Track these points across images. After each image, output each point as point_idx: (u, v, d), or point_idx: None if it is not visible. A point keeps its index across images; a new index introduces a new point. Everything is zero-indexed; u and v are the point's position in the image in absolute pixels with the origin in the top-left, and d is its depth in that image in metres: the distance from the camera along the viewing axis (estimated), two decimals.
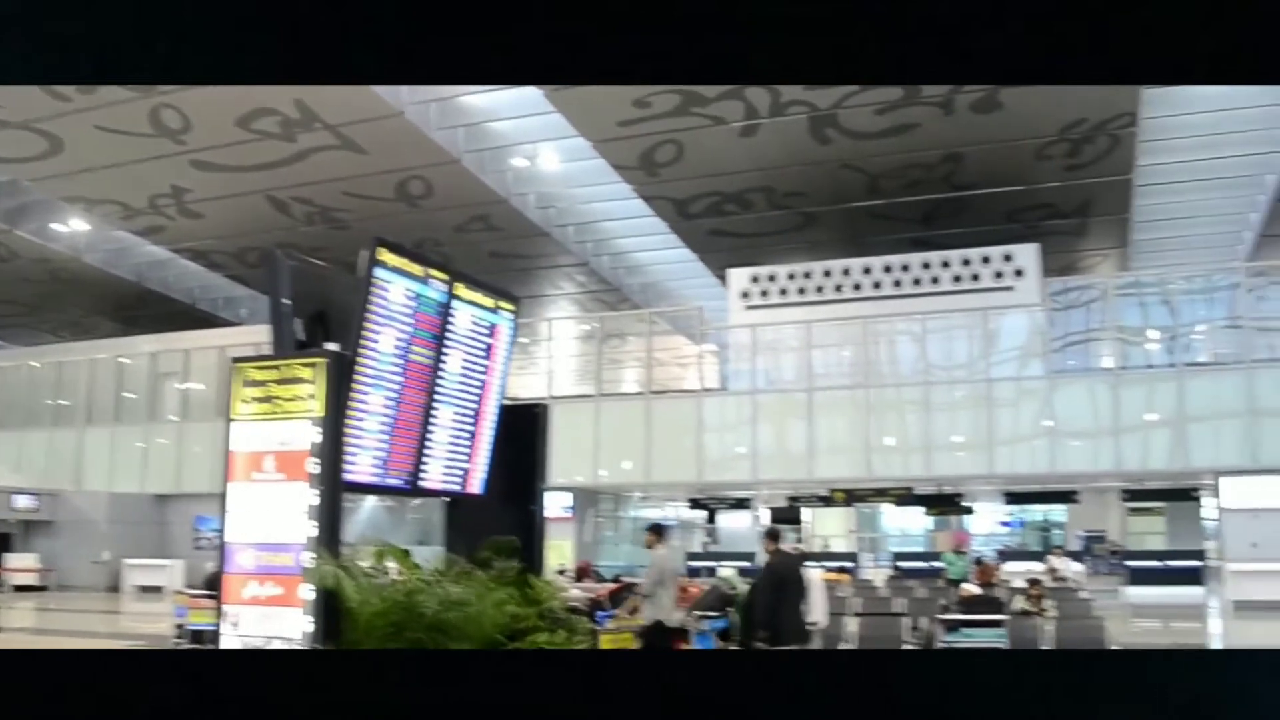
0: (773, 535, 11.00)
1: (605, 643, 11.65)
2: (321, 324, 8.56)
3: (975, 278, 24.64)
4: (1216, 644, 18.84)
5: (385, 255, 7.99)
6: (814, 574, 11.64)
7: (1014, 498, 33.27)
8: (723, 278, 28.15)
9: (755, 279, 26.53)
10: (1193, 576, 27.30)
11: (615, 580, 17.19)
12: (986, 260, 24.67)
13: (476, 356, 9.08)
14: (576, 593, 14.50)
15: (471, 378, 9.07)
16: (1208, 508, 28.98)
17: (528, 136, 23.84)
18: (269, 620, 7.68)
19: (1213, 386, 23.05)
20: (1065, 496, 31.45)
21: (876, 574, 28.28)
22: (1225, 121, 22.58)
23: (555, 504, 25.28)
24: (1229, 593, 21.82)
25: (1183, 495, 29.67)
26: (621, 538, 33.56)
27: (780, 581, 10.37)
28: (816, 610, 11.48)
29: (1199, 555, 28.65)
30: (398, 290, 8.11)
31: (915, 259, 25.37)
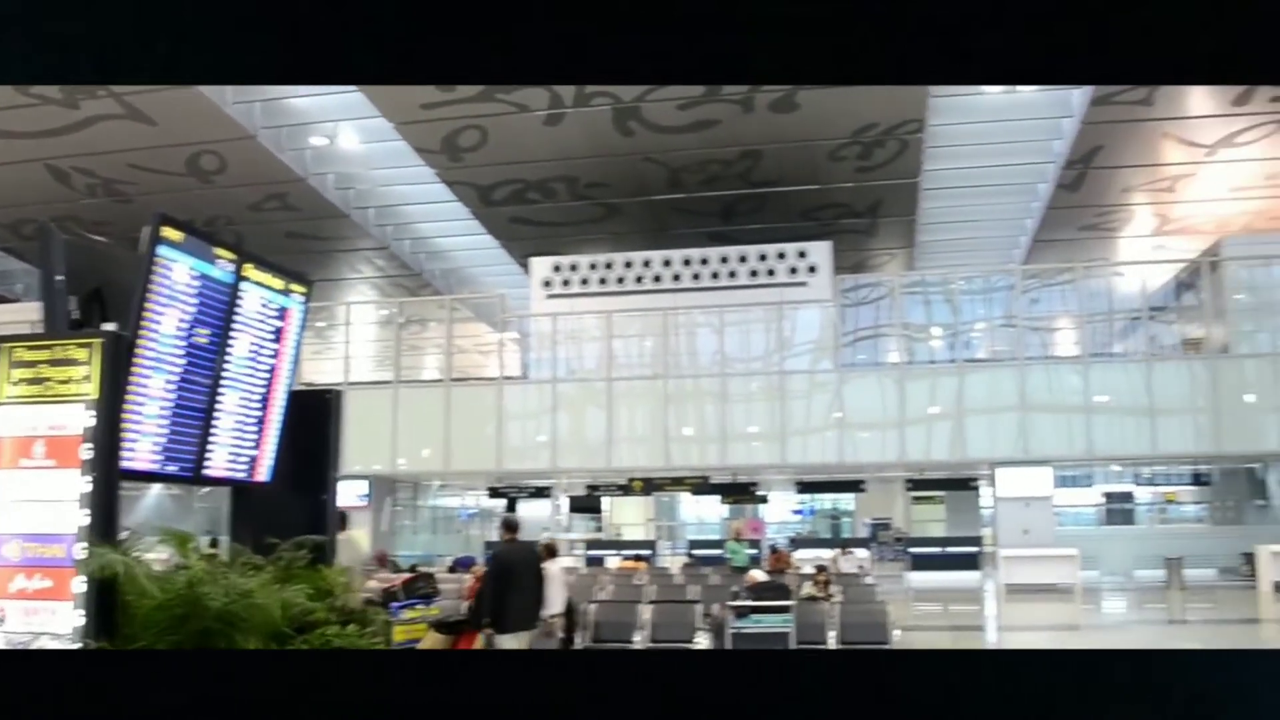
0: (508, 525, 11.03)
1: (399, 635, 11.43)
2: (99, 302, 8.07)
3: (771, 273, 25.29)
4: (990, 624, 19.86)
5: (169, 232, 7.59)
6: (553, 566, 11.72)
7: (805, 487, 34.31)
8: (525, 266, 28.06)
9: (557, 268, 26.54)
10: (970, 562, 28.69)
11: (411, 570, 16.91)
12: (782, 256, 25.34)
13: (265, 340, 8.74)
14: (373, 583, 14.17)
15: (260, 362, 8.72)
16: (984, 496, 30.54)
17: (327, 115, 23.15)
18: (36, 615, 7.21)
19: (989, 382, 24.31)
20: (853, 486, 32.58)
21: (673, 562, 28.70)
22: (1005, 131, 23.81)
23: (349, 492, 24.73)
24: (1002, 576, 23.04)
25: (962, 485, 31.16)
26: (420, 526, 33.10)
27: (506, 570, 10.41)
28: (555, 602, 11.55)
29: (976, 541, 30.16)
30: (182, 270, 7.71)
31: (714, 253, 25.87)
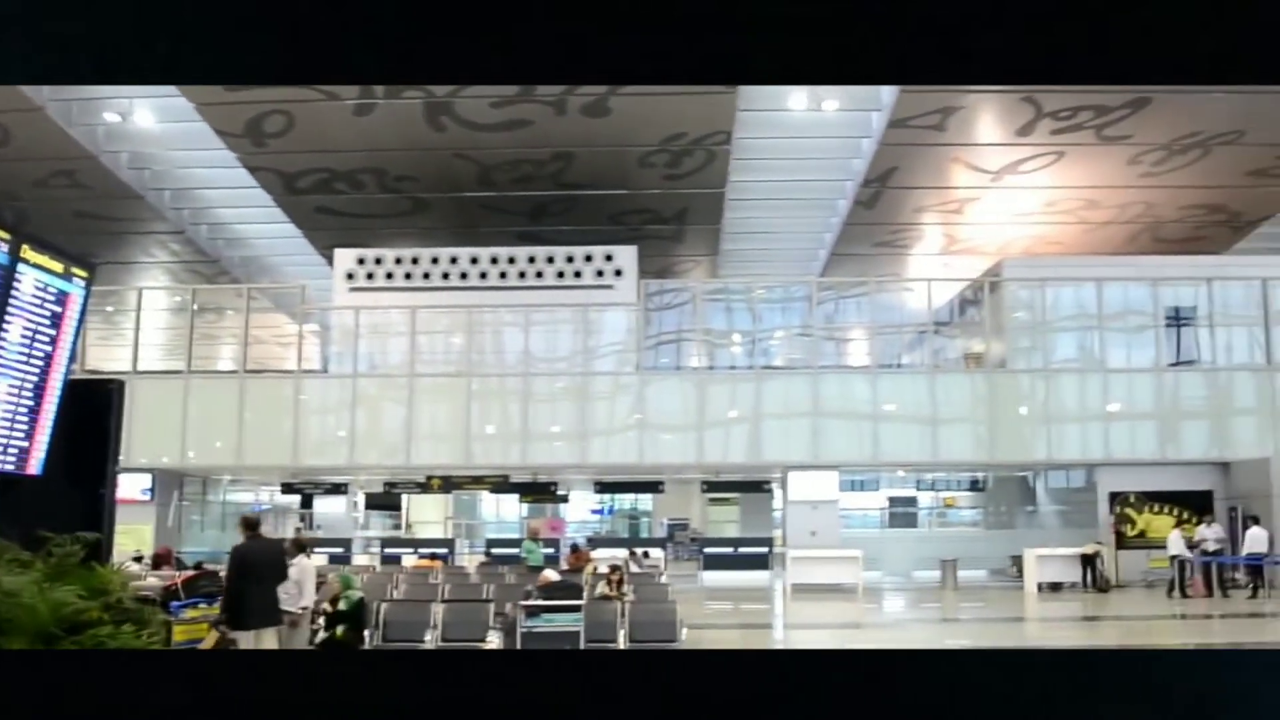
0: (247, 523, 10.91)
1: (179, 634, 11.05)
2: None
3: (578, 275, 25.47)
4: (778, 622, 20.47)
5: None
6: (306, 561, 11.65)
7: (605, 487, 34.65)
8: (328, 257, 27.45)
9: (362, 261, 26.06)
10: (761, 562, 29.51)
11: (197, 567, 16.33)
12: (589, 259, 25.56)
13: (42, 326, 8.31)
14: (153, 580, 13.63)
15: (35, 349, 8.29)
16: (776, 499, 31.48)
17: (122, 90, 22.11)
18: None
19: (785, 388, 25.10)
20: (652, 486, 33.09)
21: (471, 561, 28.54)
22: (808, 148, 24.64)
23: (131, 486, 23.72)
24: (790, 576, 23.79)
25: (756, 487, 32.05)
26: (210, 522, 31.93)
27: (246, 567, 10.32)
28: (307, 596, 11.49)
29: (767, 542, 31.04)
30: None
31: (522, 252, 25.89)
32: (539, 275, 25.59)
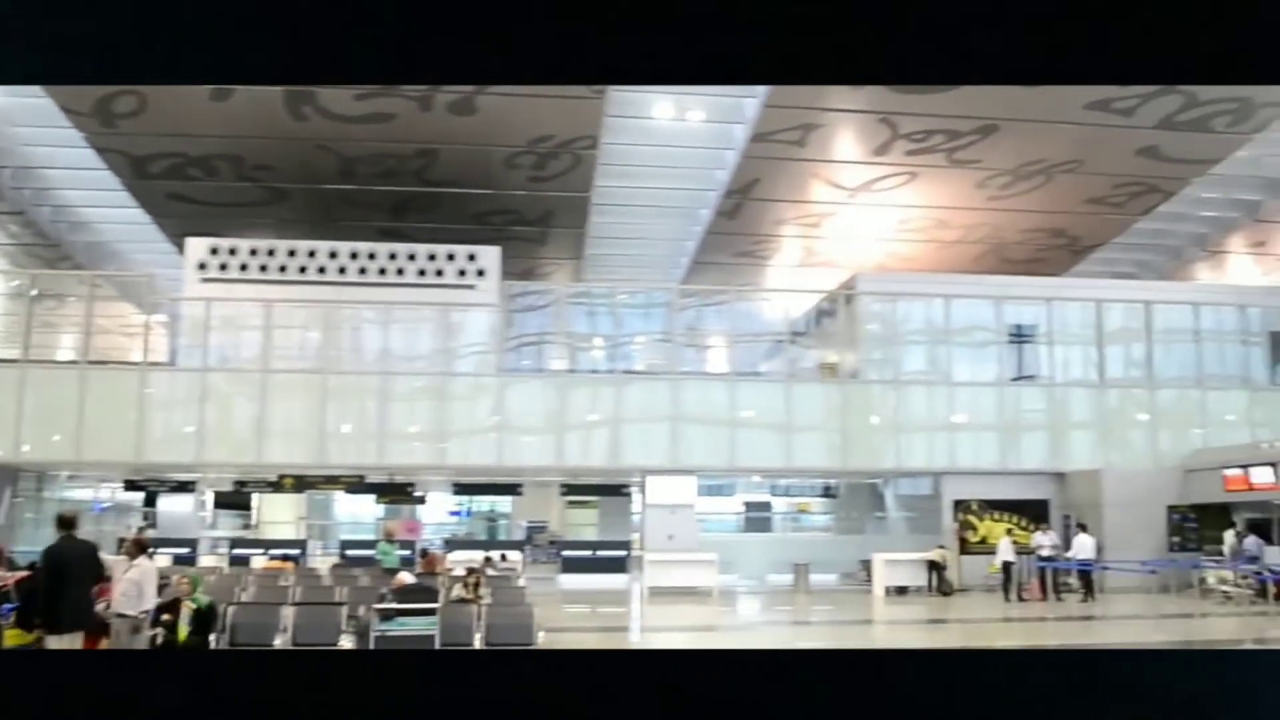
0: (62, 522, 10.59)
1: (10, 639, 10.60)
2: None
3: (440, 273, 25.22)
4: (635, 624, 20.61)
5: None
6: (145, 562, 11.35)
7: (463, 488, 34.38)
8: (179, 245, 26.59)
9: (215, 250, 25.29)
10: (619, 565, 29.66)
11: (30, 568, 15.64)
12: (452, 258, 25.33)
13: None
14: None
15: None
16: (635, 502, 31.68)
17: None
18: None
19: (645, 393, 25.31)
20: (511, 489, 32.96)
21: (324, 563, 27.99)
22: (673, 157, 24.95)
23: None
24: (647, 579, 23.98)
25: (615, 490, 32.19)
26: (45, 520, 30.56)
27: (58, 568, 10.01)
28: (147, 598, 11.19)
29: (625, 546, 31.22)
30: None
31: (383, 248, 25.49)
32: (400, 272, 25.24)
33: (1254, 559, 21.67)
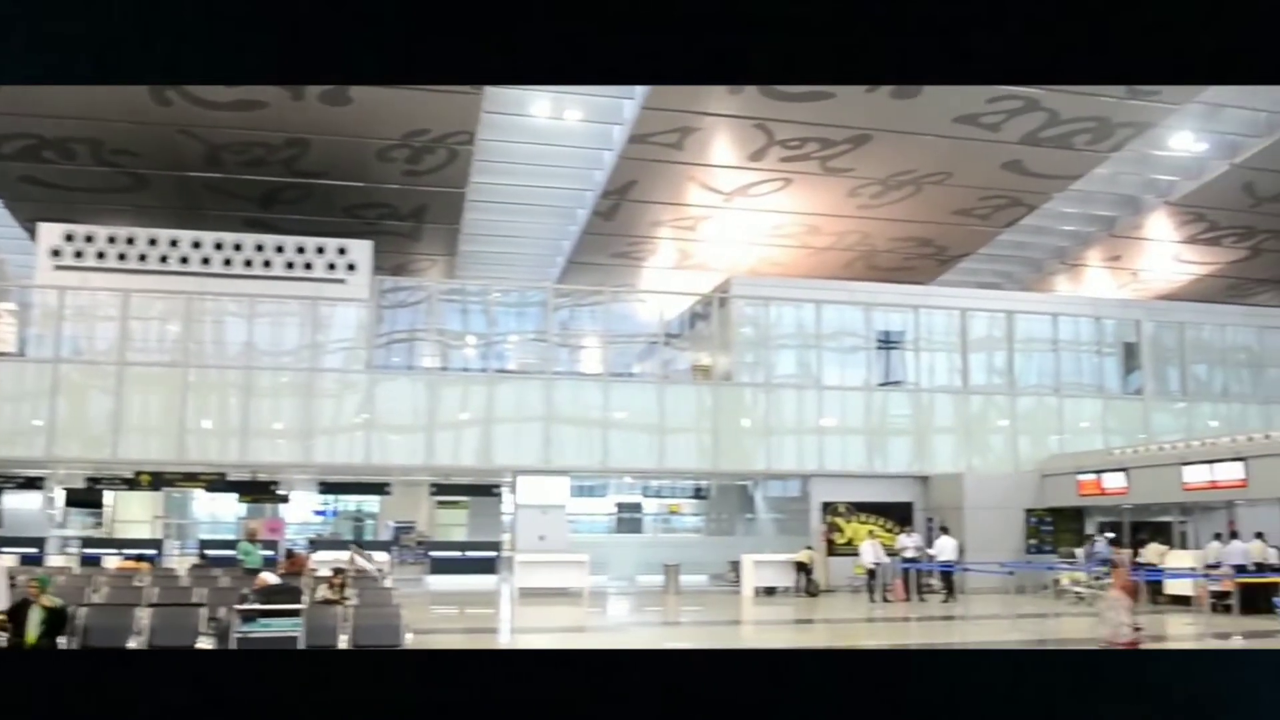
0: None
1: None
2: None
3: (308, 266, 24.63)
4: (504, 625, 20.42)
5: None
6: None
7: (329, 487, 33.68)
8: (32, 230, 25.41)
9: (70, 237, 24.25)
10: (489, 566, 29.40)
11: None
12: (321, 251, 24.76)
13: None
14: None
15: None
16: (506, 503, 31.43)
17: None
18: None
19: (518, 392, 25.13)
20: (379, 488, 32.40)
21: (181, 563, 27.07)
22: (551, 155, 24.81)
23: None
24: (517, 580, 23.80)
25: (485, 490, 31.88)
26: None
27: None
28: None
29: (495, 546, 30.96)
30: None
31: (250, 239, 24.78)
32: (266, 264, 24.57)
33: (1105, 561, 22.48)
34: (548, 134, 23.97)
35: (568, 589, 23.52)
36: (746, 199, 26.38)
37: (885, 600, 22.93)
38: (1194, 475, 21.95)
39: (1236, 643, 15.62)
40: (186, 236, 24.44)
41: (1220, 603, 19.23)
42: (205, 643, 12.52)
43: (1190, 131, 24.65)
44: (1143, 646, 14.74)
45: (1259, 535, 21.31)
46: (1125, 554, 15.77)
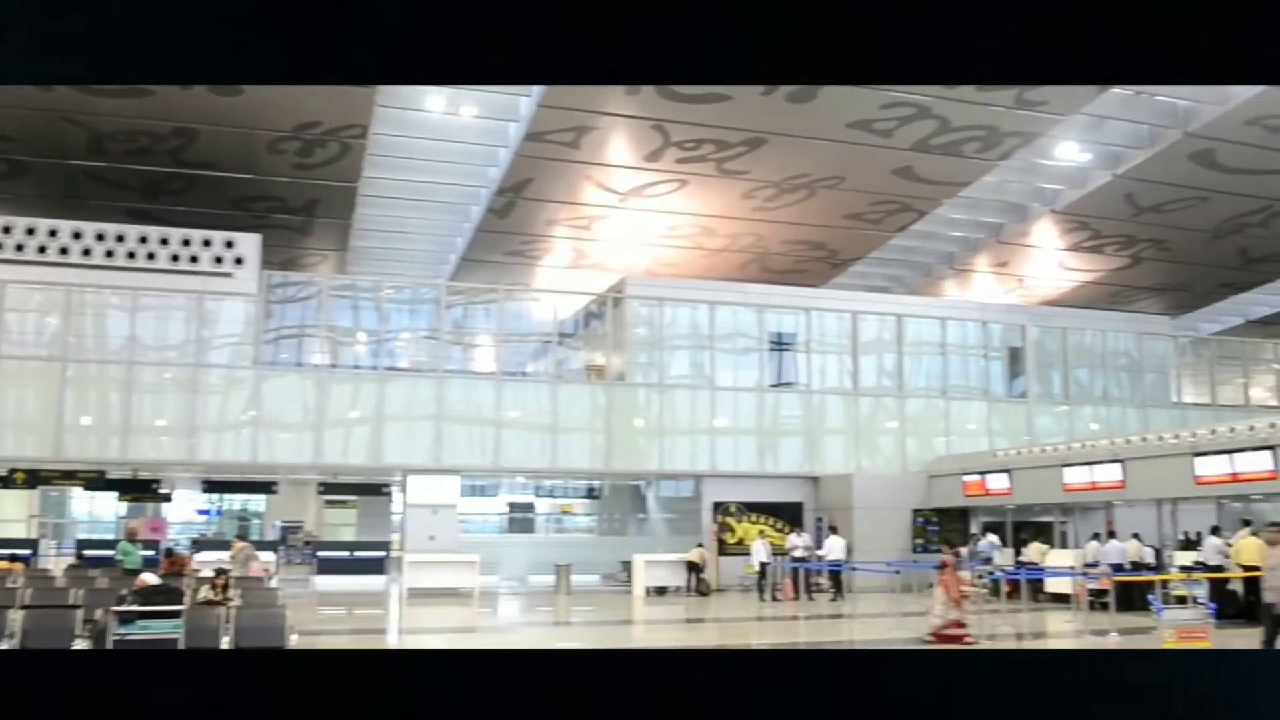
0: None
1: None
2: None
3: (194, 259, 23.99)
4: (393, 626, 20.17)
5: None
6: None
7: (214, 486, 32.92)
8: None
9: None
10: (377, 566, 29.05)
11: None
12: (208, 244, 24.15)
13: None
14: None
15: None
16: (396, 502, 31.06)
17: None
18: None
19: (409, 390, 24.87)
20: (265, 487, 31.77)
21: (58, 563, 26.20)
22: (445, 151, 24.56)
23: None
24: (407, 581, 23.53)
25: (374, 490, 31.48)
26: None
27: None
28: None
29: (385, 546, 30.58)
30: None
31: (133, 230, 24.03)
32: (150, 257, 23.86)
33: (988, 560, 23.07)
34: (443, 129, 23.73)
35: (458, 589, 23.33)
36: (642, 199, 26.47)
37: (775, 599, 23.19)
38: (1074, 477, 22.65)
39: (1112, 640, 16.11)
40: (67, 226, 23.61)
41: (1098, 601, 19.82)
42: (80, 645, 12.15)
43: (1075, 142, 25.40)
44: (968, 643, 15.29)
45: (1135, 535, 22.05)
46: (950, 555, 16.28)
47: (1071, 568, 21.41)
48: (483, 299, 28.48)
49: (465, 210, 27.80)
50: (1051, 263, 31.95)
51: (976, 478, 25.34)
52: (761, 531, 25.76)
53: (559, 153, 23.68)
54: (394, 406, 24.53)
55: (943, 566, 16.21)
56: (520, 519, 37.89)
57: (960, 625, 15.67)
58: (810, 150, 24.01)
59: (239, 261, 24.24)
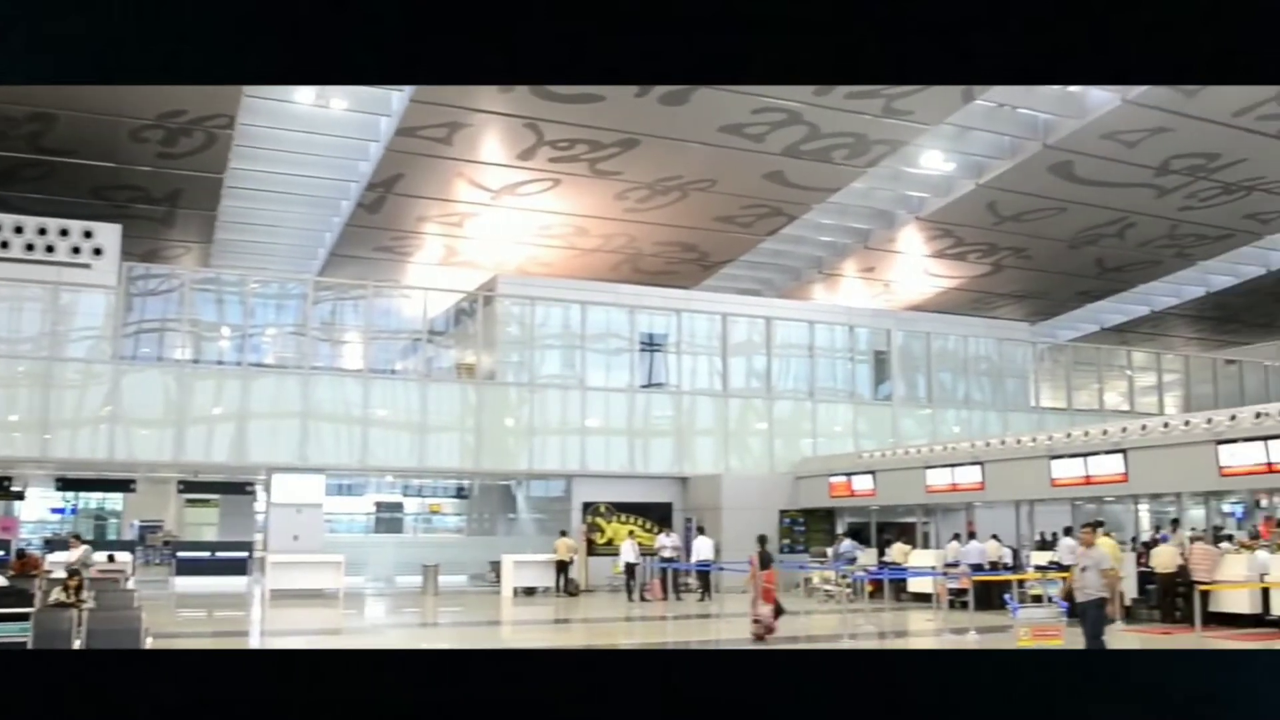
0: None
1: None
2: None
3: (50, 249, 23.13)
4: (254, 629, 19.76)
5: None
6: None
7: (69, 484, 31.78)
8: None
9: None
10: (240, 567, 28.36)
11: None
12: (65, 233, 23.32)
13: None
14: None
15: None
16: (260, 502, 30.42)
17: None
18: None
19: (275, 387, 24.41)
20: (123, 485, 30.81)
21: None
22: (315, 144, 24.10)
23: None
24: (270, 582, 23.07)
25: (237, 489, 30.75)
26: None
27: None
28: None
29: (248, 547, 29.89)
30: None
31: None
32: (3, 245, 22.96)
33: (852, 560, 23.62)
34: (312, 122, 23.27)
35: (322, 591, 22.99)
36: (515, 198, 26.40)
37: (643, 599, 23.38)
38: (936, 478, 23.34)
39: (971, 639, 16.65)
40: None
41: (958, 599, 20.49)
42: None
43: (940, 151, 26.12)
44: (769, 642, 15.78)
45: (994, 536, 22.78)
46: (757, 556, 16.89)
47: (933, 568, 22.05)
48: (351, 295, 28.07)
49: (334, 205, 27.34)
50: (916, 269, 32.83)
51: (842, 479, 25.92)
52: (631, 532, 25.94)
53: (431, 148, 23.48)
54: (259, 403, 24.05)
55: (750, 565, 16.74)
56: (388, 519, 37.44)
57: (758, 621, 16.17)
58: (683, 152, 24.25)
59: (98, 252, 23.47)
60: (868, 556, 24.30)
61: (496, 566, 25.45)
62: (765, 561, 16.62)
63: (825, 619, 20.18)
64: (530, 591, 24.39)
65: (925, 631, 18.84)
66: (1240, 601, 16.90)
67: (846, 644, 16.36)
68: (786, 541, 26.73)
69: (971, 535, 23.37)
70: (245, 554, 29.15)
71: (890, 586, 22.92)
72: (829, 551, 25.20)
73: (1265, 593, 16.63)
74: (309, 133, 23.54)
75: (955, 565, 21.12)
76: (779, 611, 16.26)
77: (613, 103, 21.62)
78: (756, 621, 16.14)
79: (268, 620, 20.68)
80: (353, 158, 24.78)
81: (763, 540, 17.05)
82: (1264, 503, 21.86)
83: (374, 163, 24.19)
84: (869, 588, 22.12)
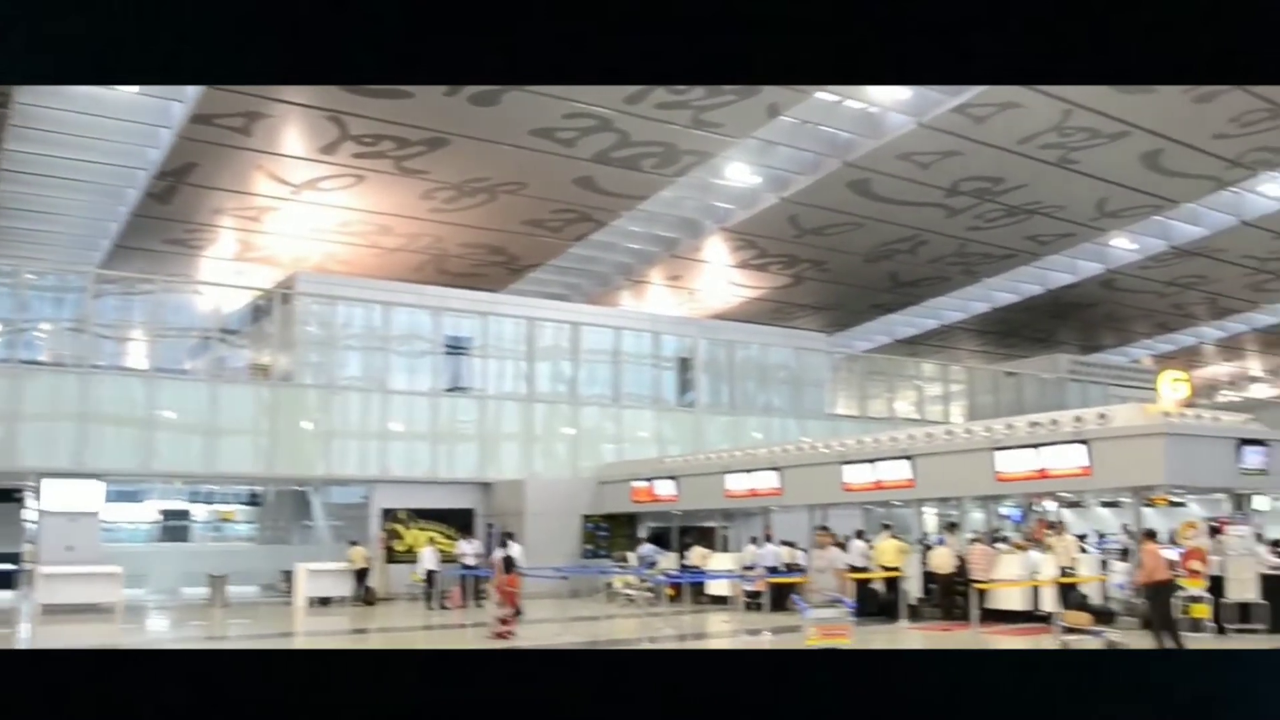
0: None
1: None
2: None
3: None
4: (20, 647, 18.38)
5: None
6: None
7: None
8: None
9: None
10: (6, 580, 26.49)
11: None
12: None
13: None
14: None
15: None
16: (30, 509, 28.44)
17: None
18: None
19: (50, 386, 22.83)
20: None
21: None
22: (100, 127, 22.68)
23: None
24: (40, 596, 21.52)
25: (5, 496, 28.64)
26: None
27: None
28: None
29: (15, 558, 27.91)
30: None
31: None
32: None
33: (652, 564, 23.66)
34: (98, 103, 21.83)
35: (99, 604, 21.57)
36: (316, 193, 25.52)
37: (443, 607, 22.85)
38: (735, 483, 23.63)
39: (765, 638, 16.85)
40: None
41: (753, 601, 20.80)
42: None
43: (746, 164, 26.56)
44: (508, 641, 16.02)
45: (785, 542, 23.15)
46: (496, 557, 17.14)
47: (730, 571, 22.33)
48: (138, 289, 26.53)
49: (120, 193, 25.81)
50: (721, 278, 33.34)
51: (644, 484, 25.98)
52: (431, 539, 25.30)
53: (228, 138, 22.44)
54: (31, 404, 22.42)
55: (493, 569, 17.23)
56: (174, 527, 35.58)
57: (505, 622, 16.44)
58: (492, 154, 23.91)
59: None
60: (668, 560, 24.40)
61: (289, 576, 24.44)
62: (509, 565, 17.26)
63: (625, 622, 20.14)
64: (325, 601, 23.51)
65: (723, 633, 19.02)
66: (1014, 599, 17.69)
67: (646, 645, 16.32)
68: (590, 546, 26.61)
69: (769, 538, 23.74)
70: (13, 565, 27.23)
71: (690, 590, 23.08)
72: (630, 556, 25.20)
73: (1035, 590, 17.42)
74: (95, 115, 22.13)
75: (752, 568, 21.42)
76: (517, 613, 16.84)
77: (421, 100, 21.12)
78: (504, 621, 16.57)
79: (36, 638, 19.28)
80: (142, 144, 23.44)
81: (505, 541, 17.62)
82: (1036, 506, 22.93)
83: (165, 150, 22.95)
84: (669, 591, 22.21)
